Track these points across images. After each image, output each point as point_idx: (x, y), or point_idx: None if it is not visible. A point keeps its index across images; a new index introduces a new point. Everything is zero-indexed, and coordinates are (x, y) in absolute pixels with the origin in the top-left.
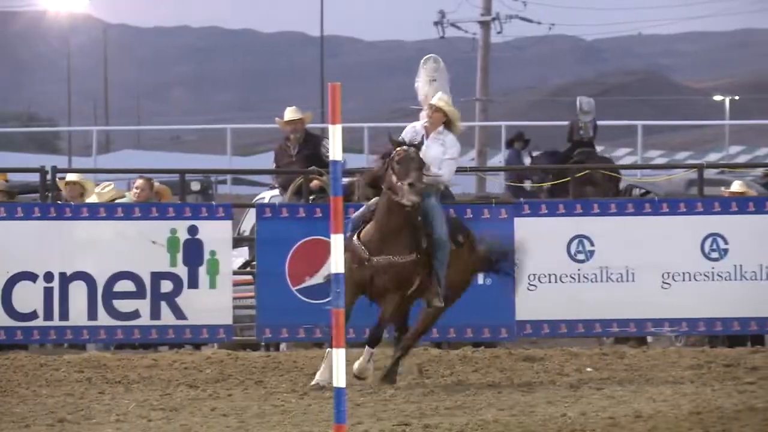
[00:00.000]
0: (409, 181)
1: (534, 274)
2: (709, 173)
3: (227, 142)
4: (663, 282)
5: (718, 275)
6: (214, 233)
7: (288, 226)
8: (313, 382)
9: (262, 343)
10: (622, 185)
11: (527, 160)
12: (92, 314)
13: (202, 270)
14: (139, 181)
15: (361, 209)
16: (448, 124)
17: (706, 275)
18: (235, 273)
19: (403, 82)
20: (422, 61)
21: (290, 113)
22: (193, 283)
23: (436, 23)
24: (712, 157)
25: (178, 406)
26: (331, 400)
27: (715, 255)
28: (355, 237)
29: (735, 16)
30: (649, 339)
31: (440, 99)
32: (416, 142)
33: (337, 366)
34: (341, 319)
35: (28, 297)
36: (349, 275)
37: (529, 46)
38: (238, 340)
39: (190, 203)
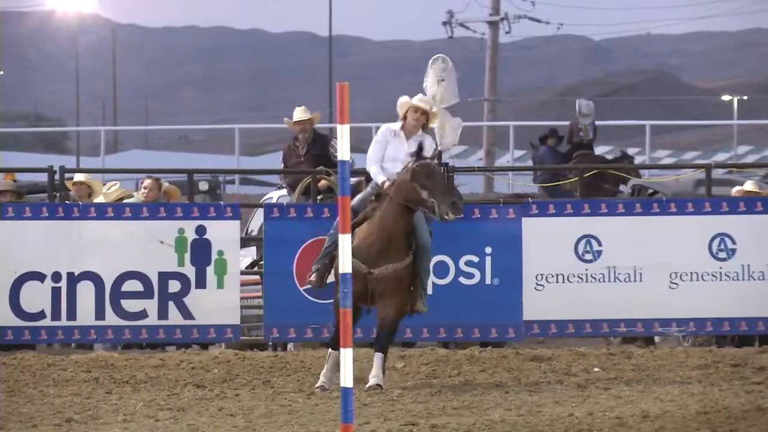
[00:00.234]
0: (452, 200)
1: (542, 274)
2: (717, 173)
3: (235, 142)
4: (671, 282)
5: (726, 275)
6: (222, 233)
7: (296, 226)
8: (317, 385)
9: (270, 343)
10: (629, 185)
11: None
12: (100, 314)
13: (210, 270)
14: (147, 181)
15: (357, 198)
16: (425, 126)
17: (713, 275)
18: (242, 273)
19: (411, 82)
20: (431, 61)
21: (299, 113)
22: (201, 283)
23: (444, 23)
24: (720, 157)
25: (185, 405)
26: (338, 400)
27: (722, 255)
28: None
29: (744, 16)
30: (657, 339)
31: (421, 100)
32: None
33: (345, 365)
34: (348, 319)
35: (35, 297)
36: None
37: (537, 46)
38: (246, 340)
39: (198, 203)
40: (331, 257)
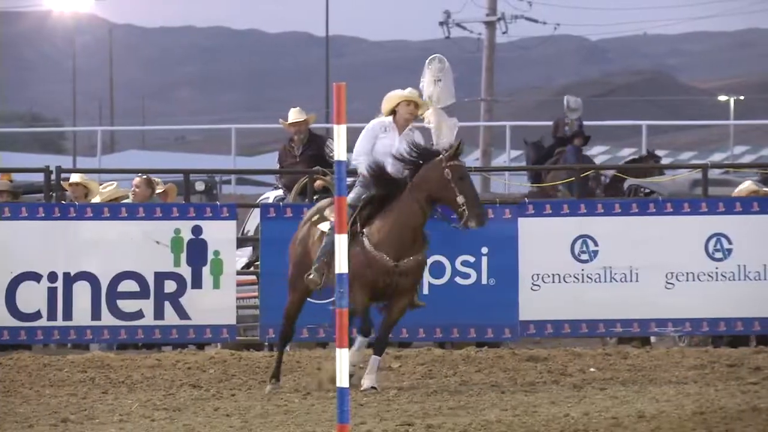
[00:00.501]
0: (481, 211)
1: (538, 274)
2: (714, 173)
3: (232, 142)
4: (667, 282)
5: (722, 275)
6: (218, 233)
7: (292, 227)
8: (368, 386)
9: (266, 343)
10: (626, 185)
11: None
12: (96, 314)
13: (206, 270)
14: (137, 180)
15: (354, 194)
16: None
17: (710, 275)
18: (238, 273)
19: (408, 83)
20: (427, 61)
21: (294, 114)
22: (197, 283)
23: (441, 23)
24: (717, 157)
25: (181, 406)
26: (334, 400)
27: (719, 255)
28: (366, 240)
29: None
30: (653, 339)
31: (412, 92)
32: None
33: (340, 366)
34: (345, 319)
35: (31, 297)
36: (372, 284)
37: (534, 46)
38: (242, 340)
39: (195, 203)
40: (330, 255)
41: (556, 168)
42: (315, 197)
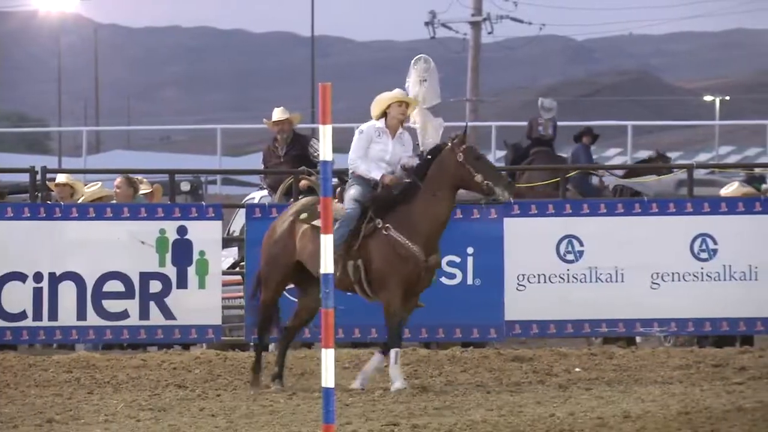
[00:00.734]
0: (508, 180)
1: (523, 275)
2: (699, 173)
3: (217, 143)
4: (652, 282)
5: (708, 275)
6: (204, 233)
7: None
8: (356, 386)
9: (251, 344)
10: (611, 185)
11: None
12: (81, 314)
13: (191, 270)
14: (118, 180)
15: (356, 190)
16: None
17: (695, 275)
18: (224, 273)
19: (393, 83)
20: (413, 61)
21: (277, 114)
22: (182, 284)
23: (427, 23)
24: (702, 157)
25: (166, 406)
26: (319, 400)
27: (704, 255)
28: (397, 235)
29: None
30: (638, 339)
31: (401, 93)
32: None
33: (326, 366)
34: (330, 320)
35: (17, 297)
36: (408, 280)
37: (519, 46)
38: (227, 340)
39: (180, 203)
40: (346, 246)
41: (532, 168)
42: (300, 197)
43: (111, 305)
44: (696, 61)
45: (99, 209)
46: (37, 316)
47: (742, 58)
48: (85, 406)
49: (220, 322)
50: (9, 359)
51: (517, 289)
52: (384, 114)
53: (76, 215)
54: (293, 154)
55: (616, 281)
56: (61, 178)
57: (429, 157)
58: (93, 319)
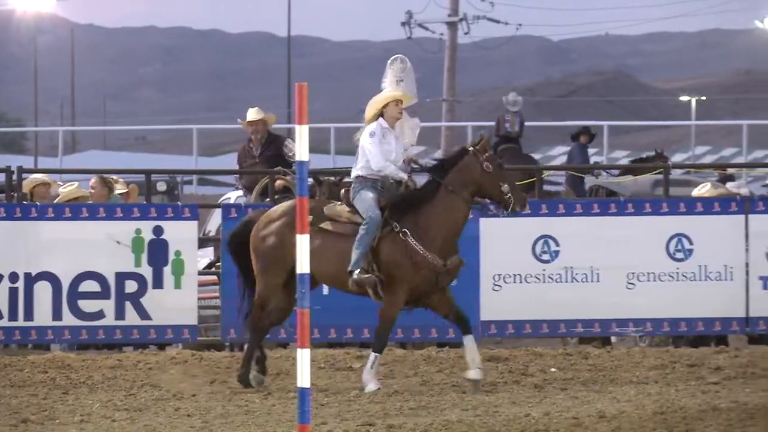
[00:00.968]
0: (524, 195)
1: (499, 274)
2: (675, 174)
3: (193, 143)
4: (628, 282)
5: (683, 275)
6: (180, 233)
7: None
8: (374, 388)
9: (227, 344)
10: (587, 185)
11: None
12: (57, 314)
13: (167, 270)
14: (93, 180)
15: (372, 193)
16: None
17: (671, 275)
18: (200, 273)
19: (370, 83)
20: (389, 61)
21: (252, 114)
22: (158, 284)
23: (403, 24)
24: (678, 157)
25: (142, 406)
26: (295, 401)
27: (680, 255)
28: (413, 241)
29: (702, 17)
30: (614, 339)
31: (394, 91)
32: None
33: (302, 366)
34: (306, 320)
35: None
36: (416, 288)
37: (496, 46)
38: (203, 340)
39: (156, 203)
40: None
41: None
42: (276, 197)
43: (87, 305)
44: (672, 62)
45: (75, 209)
46: (13, 316)
47: (718, 58)
48: (61, 406)
49: (195, 322)
50: None
51: (492, 289)
52: (379, 115)
53: (52, 215)
54: (268, 155)
55: (592, 281)
56: (40, 178)
57: (447, 159)
58: (69, 319)
